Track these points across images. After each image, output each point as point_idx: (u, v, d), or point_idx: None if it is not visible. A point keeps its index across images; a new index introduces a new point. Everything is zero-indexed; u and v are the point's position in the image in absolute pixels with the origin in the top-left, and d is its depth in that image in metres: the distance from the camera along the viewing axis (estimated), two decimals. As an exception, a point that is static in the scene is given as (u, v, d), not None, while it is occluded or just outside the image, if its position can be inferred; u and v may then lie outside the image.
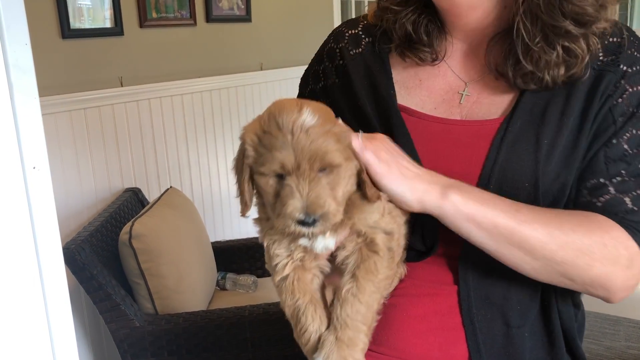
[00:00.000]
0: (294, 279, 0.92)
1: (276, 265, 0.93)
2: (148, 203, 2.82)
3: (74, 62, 2.70)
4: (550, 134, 0.98)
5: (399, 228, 0.94)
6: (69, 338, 0.83)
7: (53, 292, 0.80)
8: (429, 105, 1.08)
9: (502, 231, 0.92)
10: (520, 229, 0.92)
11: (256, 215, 0.97)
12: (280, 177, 0.84)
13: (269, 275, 3.46)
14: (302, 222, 0.83)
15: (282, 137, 0.81)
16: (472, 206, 0.92)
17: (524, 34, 0.98)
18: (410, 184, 0.92)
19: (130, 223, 2.40)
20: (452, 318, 1.03)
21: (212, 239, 3.06)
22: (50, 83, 2.58)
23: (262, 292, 2.90)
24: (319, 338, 0.92)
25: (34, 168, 0.75)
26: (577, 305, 1.10)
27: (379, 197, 0.92)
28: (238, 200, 0.93)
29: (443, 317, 1.03)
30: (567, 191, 0.99)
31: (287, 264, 0.92)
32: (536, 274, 0.95)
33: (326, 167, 0.84)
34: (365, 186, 0.90)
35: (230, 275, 2.97)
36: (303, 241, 0.91)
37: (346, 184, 0.88)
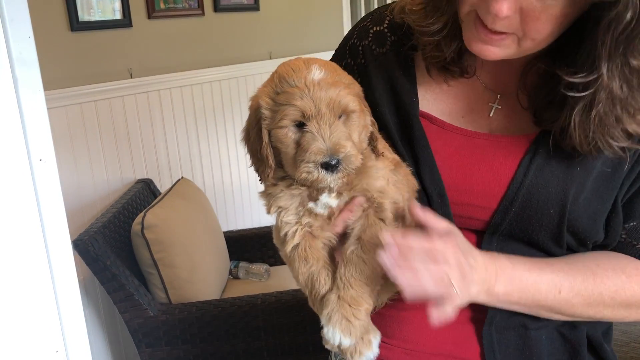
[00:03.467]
0: (305, 246, 0.92)
1: (286, 234, 0.93)
2: (160, 194, 2.84)
3: (83, 55, 2.71)
4: (587, 159, 0.92)
5: (403, 199, 0.94)
6: (80, 328, 0.84)
7: (63, 282, 0.81)
8: (455, 113, 1.02)
9: (541, 307, 0.96)
10: (559, 306, 0.95)
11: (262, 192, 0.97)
12: (300, 127, 0.85)
13: (281, 264, 3.50)
14: (325, 165, 0.83)
15: (298, 91, 0.84)
16: (515, 296, 0.93)
17: (573, 131, 0.88)
18: (468, 294, 0.87)
19: (142, 214, 2.42)
20: (466, 312, 1.01)
21: (224, 229, 3.08)
22: (60, 76, 2.59)
23: (275, 281, 2.91)
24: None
25: (40, 160, 0.76)
26: None
27: (383, 154, 0.94)
28: (250, 180, 0.94)
29: (457, 310, 1.02)
30: (599, 223, 0.95)
31: (297, 230, 0.92)
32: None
33: (343, 114, 0.86)
34: (377, 141, 0.92)
35: (242, 264, 2.99)
36: (311, 204, 0.91)
37: (360, 132, 0.89)
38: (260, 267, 2.95)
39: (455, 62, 0.99)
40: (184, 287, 2.45)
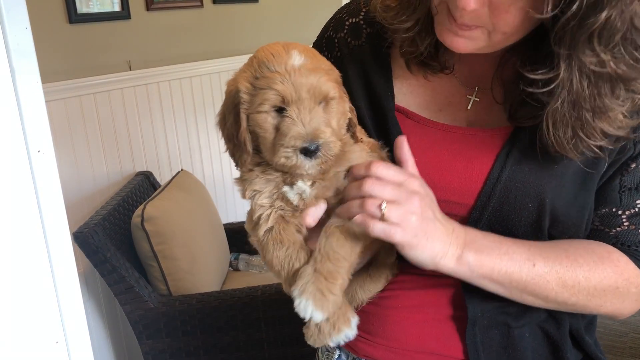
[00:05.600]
0: (279, 229, 0.90)
1: (259, 217, 0.90)
2: (159, 186, 2.84)
3: (82, 47, 2.71)
4: (563, 155, 0.91)
5: None
6: (80, 319, 0.84)
7: (62, 274, 0.81)
8: (433, 107, 1.01)
9: (515, 284, 0.92)
10: (534, 283, 0.91)
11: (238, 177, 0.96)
12: (279, 112, 0.84)
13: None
14: (304, 151, 0.82)
15: (279, 76, 0.83)
16: (488, 265, 0.90)
17: (547, 130, 0.87)
18: (430, 249, 0.87)
19: (142, 206, 2.42)
20: (447, 310, 1.01)
21: (225, 221, 3.08)
22: (59, 68, 2.58)
23: (275, 273, 2.92)
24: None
25: (38, 152, 0.76)
26: None
27: (362, 140, 0.94)
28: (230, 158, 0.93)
29: (439, 308, 1.01)
30: (587, 214, 0.94)
31: (270, 214, 0.90)
32: (547, 308, 0.98)
33: (322, 100, 0.85)
34: (356, 128, 0.92)
35: (243, 256, 2.99)
36: (286, 190, 0.89)
37: (339, 119, 0.88)
38: (260, 259, 2.95)
39: (433, 58, 0.97)
40: (184, 279, 2.45)
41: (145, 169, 3.01)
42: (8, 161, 0.73)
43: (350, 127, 0.92)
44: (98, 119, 2.75)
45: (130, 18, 2.91)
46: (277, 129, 0.85)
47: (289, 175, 0.89)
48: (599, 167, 0.92)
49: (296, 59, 0.84)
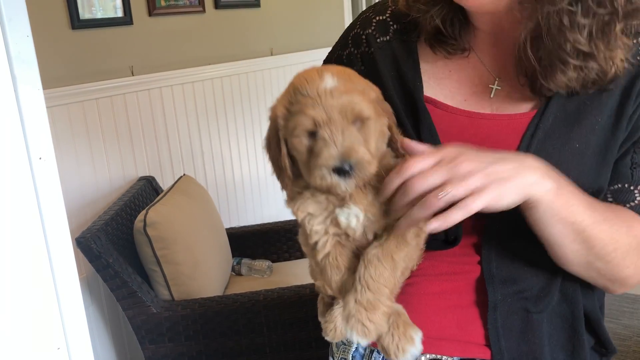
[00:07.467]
0: (336, 254, 0.93)
1: (316, 243, 0.93)
2: (162, 191, 2.85)
3: (84, 53, 2.72)
4: (583, 133, 0.95)
5: None
6: (81, 325, 0.85)
7: (64, 280, 0.81)
8: (458, 97, 1.05)
9: (577, 228, 0.89)
10: (591, 228, 0.90)
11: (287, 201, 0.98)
12: (313, 135, 0.85)
13: (283, 260, 3.49)
14: (337, 170, 0.82)
15: (310, 100, 0.83)
16: (574, 207, 0.89)
17: (529, 59, 0.92)
18: (514, 188, 0.83)
19: (144, 211, 2.42)
20: (469, 296, 1.02)
21: (227, 225, 3.08)
22: (61, 74, 2.60)
23: (277, 277, 2.92)
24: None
25: (40, 159, 0.76)
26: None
27: (404, 156, 0.92)
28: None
29: (461, 294, 1.03)
30: (606, 187, 0.98)
31: (327, 240, 0.93)
32: (573, 267, 0.96)
33: (356, 120, 0.85)
34: (397, 144, 0.91)
35: (245, 260, 2.99)
36: (338, 212, 0.90)
37: (377, 139, 0.88)
38: (262, 264, 2.96)
39: (451, 36, 1.03)
40: (187, 283, 2.46)
41: (147, 174, 3.01)
42: (9, 168, 0.73)
43: (390, 142, 0.92)
44: (100, 124, 2.76)
45: (132, 23, 2.92)
46: (312, 151, 0.85)
47: (338, 198, 0.90)
48: (619, 133, 0.94)
49: (328, 82, 0.84)
